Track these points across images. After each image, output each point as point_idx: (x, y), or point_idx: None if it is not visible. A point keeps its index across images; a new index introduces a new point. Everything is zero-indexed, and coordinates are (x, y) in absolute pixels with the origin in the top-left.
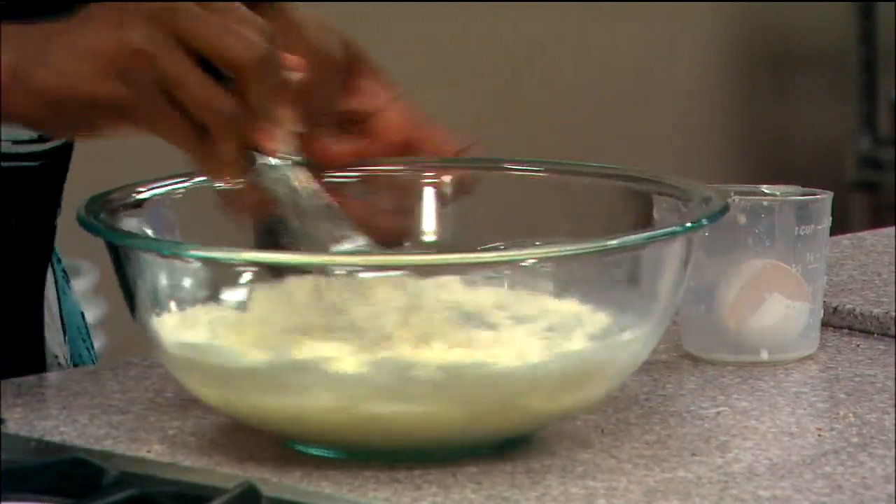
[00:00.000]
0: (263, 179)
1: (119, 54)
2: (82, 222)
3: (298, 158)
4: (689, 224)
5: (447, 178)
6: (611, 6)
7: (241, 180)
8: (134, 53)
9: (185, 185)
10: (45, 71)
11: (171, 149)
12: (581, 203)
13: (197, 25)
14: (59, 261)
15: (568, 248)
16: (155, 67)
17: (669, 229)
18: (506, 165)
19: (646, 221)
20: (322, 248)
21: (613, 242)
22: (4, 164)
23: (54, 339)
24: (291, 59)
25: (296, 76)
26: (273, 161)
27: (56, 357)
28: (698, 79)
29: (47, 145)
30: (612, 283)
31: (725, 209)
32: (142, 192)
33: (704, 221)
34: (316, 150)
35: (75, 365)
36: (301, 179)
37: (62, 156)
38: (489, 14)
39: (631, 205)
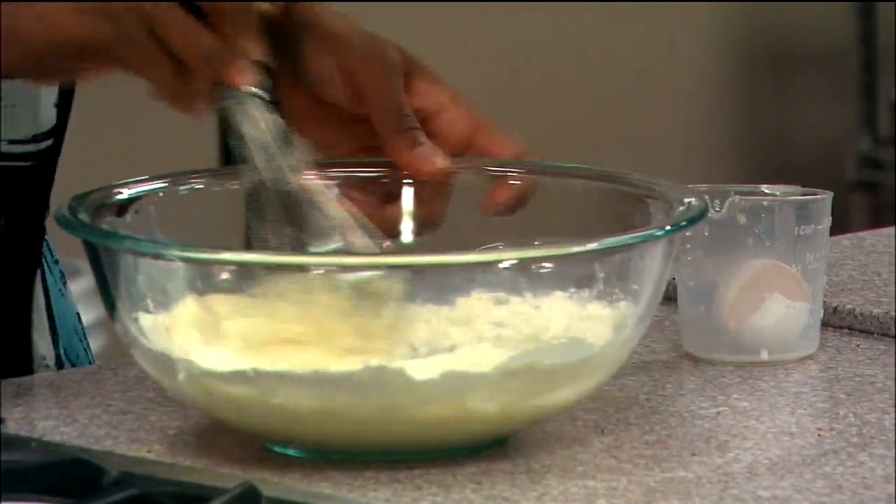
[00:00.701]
0: (231, 113)
1: None
2: (60, 221)
3: (266, 94)
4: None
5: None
6: (611, 6)
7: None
8: None
9: (166, 185)
10: (26, 16)
11: (157, 150)
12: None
13: None
14: (56, 262)
15: (543, 251)
16: (139, 7)
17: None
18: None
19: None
20: (283, 179)
21: (594, 245)
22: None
23: (42, 341)
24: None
25: (265, 6)
26: (242, 94)
27: (44, 359)
28: (698, 79)
29: (41, 145)
30: (594, 283)
31: (703, 213)
32: (122, 191)
33: (684, 223)
34: (402, 158)
35: (73, 365)
36: (266, 116)
37: (50, 157)
38: (489, 14)
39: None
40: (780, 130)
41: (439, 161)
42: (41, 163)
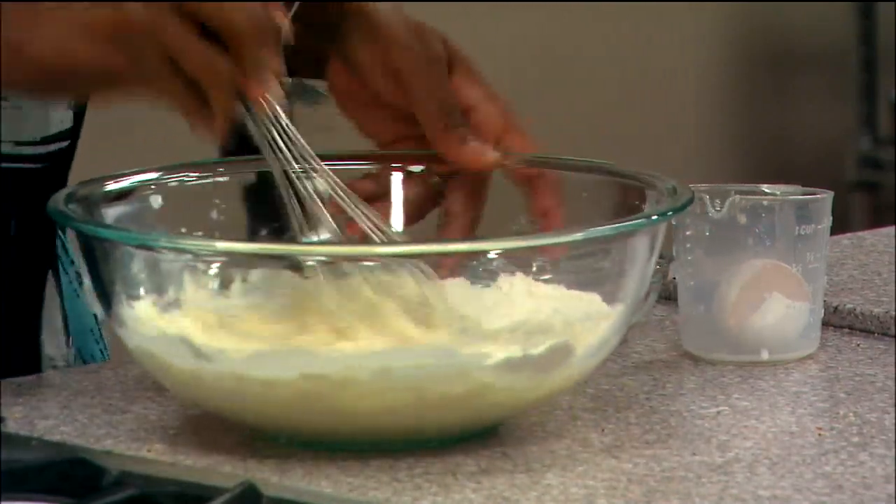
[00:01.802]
0: (252, 134)
1: (120, 24)
2: (52, 213)
3: (285, 118)
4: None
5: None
6: (611, 6)
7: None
8: (135, 23)
9: (162, 177)
10: (39, 38)
11: (170, 151)
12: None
13: None
14: (72, 262)
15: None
16: (156, 36)
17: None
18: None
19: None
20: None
21: (579, 236)
22: (5, 164)
23: (51, 342)
24: (282, 12)
25: (284, 26)
26: (262, 116)
27: (52, 360)
28: (699, 79)
29: (51, 147)
30: (583, 272)
31: (690, 202)
32: (117, 183)
33: (669, 214)
34: (453, 154)
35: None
36: (288, 133)
37: (63, 158)
38: (489, 14)
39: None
40: (780, 130)
41: (490, 155)
42: (52, 164)
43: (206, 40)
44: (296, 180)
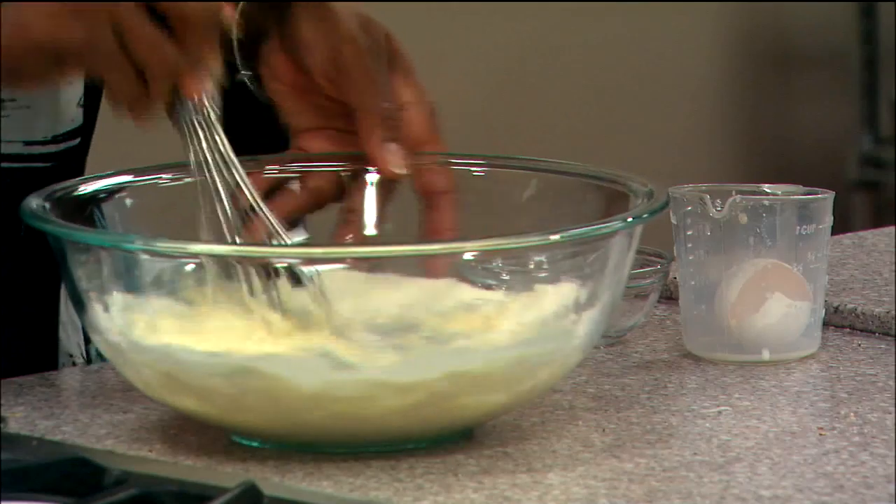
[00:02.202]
0: (182, 126)
1: (74, 3)
2: (25, 216)
3: (217, 111)
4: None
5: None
6: (613, 6)
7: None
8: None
9: (142, 179)
10: (7, 16)
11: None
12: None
13: None
14: None
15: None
16: (108, 10)
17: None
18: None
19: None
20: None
21: (556, 237)
22: (16, 164)
23: (71, 339)
24: (229, 10)
25: (228, 19)
26: (195, 107)
27: (71, 356)
28: (700, 78)
29: (61, 146)
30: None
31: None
32: (92, 186)
33: (645, 216)
34: (371, 149)
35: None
36: (217, 133)
37: (75, 157)
38: (490, 13)
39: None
40: (781, 130)
41: (400, 164)
42: (63, 163)
43: (157, 26)
44: (212, 176)
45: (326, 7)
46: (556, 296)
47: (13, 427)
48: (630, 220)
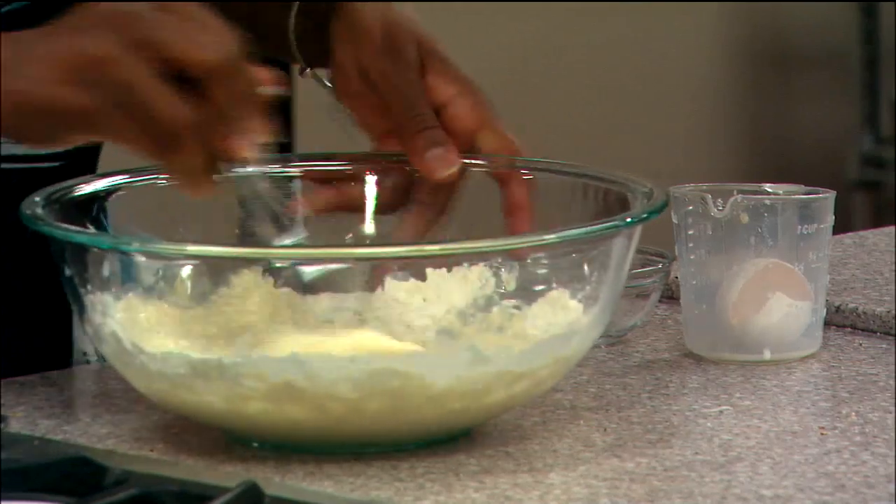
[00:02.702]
0: (234, 186)
1: (77, 61)
2: (24, 219)
3: (267, 168)
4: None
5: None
6: (613, 6)
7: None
8: (92, 61)
9: (140, 179)
10: (8, 76)
11: None
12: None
13: (160, 30)
14: None
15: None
16: (111, 75)
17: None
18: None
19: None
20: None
21: (552, 237)
22: (27, 165)
23: (83, 338)
24: (268, 73)
25: (272, 91)
26: (243, 169)
27: (85, 354)
28: (702, 78)
29: (70, 145)
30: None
31: (663, 207)
32: (88, 187)
33: (645, 217)
34: (415, 159)
35: None
36: (267, 188)
37: (86, 155)
38: (492, 14)
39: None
40: (782, 129)
41: (447, 166)
42: (74, 162)
43: (173, 84)
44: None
45: (355, 23)
46: (555, 295)
47: (14, 426)
48: (630, 220)
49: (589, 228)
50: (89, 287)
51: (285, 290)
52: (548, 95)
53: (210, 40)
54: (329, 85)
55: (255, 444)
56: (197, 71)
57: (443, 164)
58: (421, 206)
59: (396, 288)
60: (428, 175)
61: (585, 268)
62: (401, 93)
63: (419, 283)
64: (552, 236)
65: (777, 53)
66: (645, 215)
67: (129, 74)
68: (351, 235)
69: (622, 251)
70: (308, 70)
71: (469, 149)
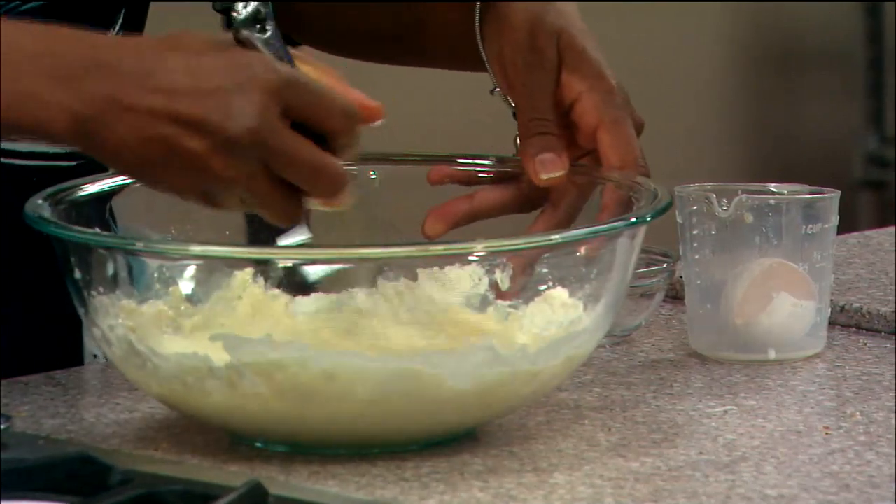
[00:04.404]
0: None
1: (233, 133)
2: (29, 218)
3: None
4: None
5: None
6: (617, 5)
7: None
8: (245, 132)
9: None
10: (121, 132)
11: None
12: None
13: (304, 100)
14: None
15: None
16: (254, 140)
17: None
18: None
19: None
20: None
21: (556, 237)
22: (40, 162)
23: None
24: (375, 107)
25: (376, 125)
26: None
27: (95, 356)
28: (705, 77)
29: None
30: (567, 272)
31: (668, 207)
32: (91, 187)
33: (648, 217)
34: (525, 161)
35: None
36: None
37: None
38: None
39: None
40: (787, 129)
41: (550, 171)
42: (87, 162)
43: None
44: None
45: (504, 22)
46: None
47: (19, 426)
48: (634, 220)
49: (594, 228)
50: (98, 290)
51: (289, 290)
52: None
53: (339, 108)
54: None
55: (259, 445)
56: (327, 134)
57: (547, 168)
58: (552, 208)
59: (389, 288)
60: (532, 177)
61: (589, 268)
62: (527, 94)
63: (410, 282)
64: (557, 237)
65: (781, 53)
66: (650, 216)
67: (284, 142)
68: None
69: (627, 251)
70: (496, 90)
71: (594, 147)
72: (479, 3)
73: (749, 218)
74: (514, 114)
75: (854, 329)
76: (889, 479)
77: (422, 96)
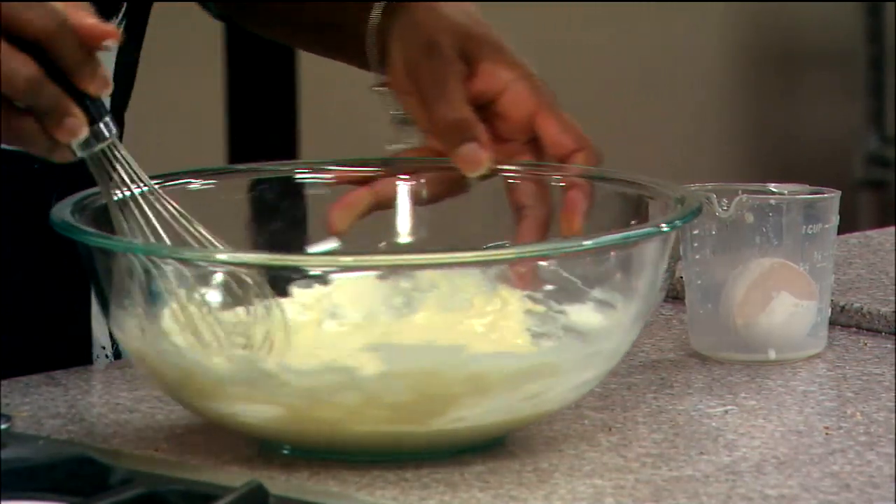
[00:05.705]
0: (87, 161)
1: None
2: (54, 224)
3: (114, 138)
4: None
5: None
6: (619, 5)
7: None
8: None
9: (172, 184)
10: None
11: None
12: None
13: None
14: None
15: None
16: None
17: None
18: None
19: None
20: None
21: (588, 243)
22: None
23: (103, 331)
24: (103, 27)
25: (109, 44)
26: (95, 143)
27: (103, 349)
28: (706, 77)
29: None
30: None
31: (699, 210)
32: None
33: (678, 223)
34: (450, 155)
35: None
36: (122, 159)
37: None
38: (494, 14)
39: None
40: (787, 129)
41: (477, 164)
42: None
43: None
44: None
45: (405, 22)
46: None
47: (19, 426)
48: (665, 226)
49: (627, 234)
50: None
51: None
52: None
53: (41, 9)
54: (389, 99)
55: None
56: (35, 39)
57: (471, 162)
58: (530, 210)
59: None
60: (463, 169)
61: (618, 274)
62: (434, 86)
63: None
64: (589, 242)
65: (782, 53)
66: (679, 221)
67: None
68: (384, 243)
69: (657, 257)
70: (377, 87)
71: (530, 135)
72: (382, 4)
73: (749, 218)
74: (395, 115)
75: (854, 329)
76: (889, 479)
77: None
